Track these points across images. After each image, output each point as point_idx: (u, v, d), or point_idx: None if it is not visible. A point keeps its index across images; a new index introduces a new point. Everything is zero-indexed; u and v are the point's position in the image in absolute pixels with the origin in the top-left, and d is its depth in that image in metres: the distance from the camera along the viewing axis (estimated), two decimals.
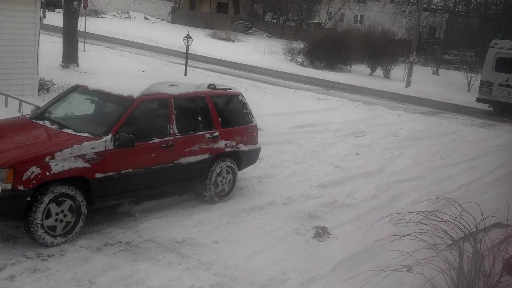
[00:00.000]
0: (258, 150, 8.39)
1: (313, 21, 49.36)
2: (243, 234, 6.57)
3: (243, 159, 7.95)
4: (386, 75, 29.72)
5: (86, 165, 5.87)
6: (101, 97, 6.89)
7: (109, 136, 6.09)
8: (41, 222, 5.56)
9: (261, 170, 9.32)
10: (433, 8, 44.87)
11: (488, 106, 21.66)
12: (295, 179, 9.11)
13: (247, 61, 28.94)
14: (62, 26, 17.03)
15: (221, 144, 7.49)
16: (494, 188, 9.78)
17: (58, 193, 5.66)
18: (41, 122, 6.58)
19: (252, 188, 8.41)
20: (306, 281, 5.53)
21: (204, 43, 33.47)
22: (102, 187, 6.09)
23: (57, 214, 5.70)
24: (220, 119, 7.51)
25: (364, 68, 30.98)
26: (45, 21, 27.26)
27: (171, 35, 33.43)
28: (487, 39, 29.42)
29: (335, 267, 5.92)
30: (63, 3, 19.79)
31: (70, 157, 5.73)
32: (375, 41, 30.77)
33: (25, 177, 5.39)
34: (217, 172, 7.48)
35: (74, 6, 16.58)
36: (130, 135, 6.15)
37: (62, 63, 16.60)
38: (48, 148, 5.75)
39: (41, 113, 6.93)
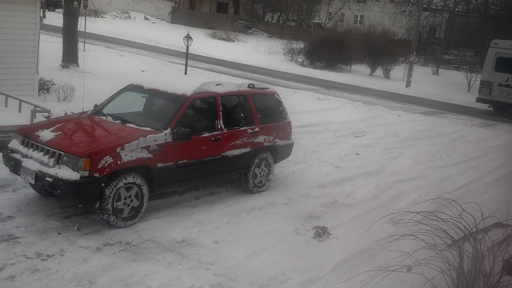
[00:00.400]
0: (292, 145, 9.01)
1: (313, 21, 49.36)
2: (243, 234, 6.58)
3: (279, 153, 8.58)
4: (386, 75, 29.72)
5: (150, 155, 6.50)
6: (156, 95, 7.55)
7: (168, 130, 6.72)
8: (112, 206, 6.20)
9: None
10: (433, 8, 44.87)
11: (488, 106, 21.65)
12: (295, 179, 9.10)
13: (247, 61, 28.94)
14: (62, 26, 17.00)
15: (261, 138, 8.12)
16: (494, 188, 9.78)
17: (126, 180, 6.30)
18: (104, 118, 7.22)
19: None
20: (306, 281, 5.53)
21: (204, 43, 33.46)
22: (162, 176, 6.70)
23: (125, 198, 6.35)
24: (259, 115, 8.14)
25: (364, 68, 30.97)
26: (45, 21, 27.25)
27: (171, 35, 33.43)
28: (487, 39, 29.42)
29: (335, 267, 5.92)
30: (63, 3, 19.79)
31: (137, 148, 6.36)
32: (375, 41, 30.77)
33: (100, 166, 6.02)
34: (257, 165, 8.09)
35: (74, 6, 16.56)
36: (187, 129, 6.81)
37: (62, 63, 16.58)
38: (119, 140, 6.38)
39: (100, 110, 7.55)
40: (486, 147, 13.70)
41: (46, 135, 6.44)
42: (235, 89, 8.00)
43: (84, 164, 5.93)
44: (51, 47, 19.21)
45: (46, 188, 6.20)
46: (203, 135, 7.22)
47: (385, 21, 43.53)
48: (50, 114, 9.90)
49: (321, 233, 6.93)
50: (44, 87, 12.75)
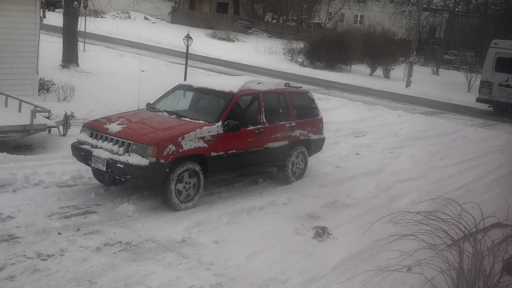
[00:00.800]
0: (324, 139, 9.73)
1: (313, 21, 49.35)
2: (243, 234, 6.57)
3: (312, 146, 9.32)
4: (386, 75, 29.72)
5: (205, 145, 7.25)
6: (205, 92, 8.33)
7: (220, 123, 7.48)
8: (173, 189, 6.92)
9: (261, 171, 9.33)
10: (433, 8, 44.86)
11: (488, 106, 21.65)
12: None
13: (247, 61, 28.94)
14: (62, 26, 17.01)
15: (297, 133, 8.83)
16: (494, 188, 9.78)
17: (186, 167, 7.05)
18: (160, 113, 7.99)
19: (252, 188, 8.41)
20: (306, 281, 5.53)
21: (204, 43, 33.47)
22: (215, 164, 7.44)
23: (185, 183, 7.08)
24: (295, 111, 8.84)
25: (364, 68, 30.98)
26: (45, 21, 27.18)
27: (171, 35, 33.43)
28: (487, 39, 29.41)
29: (335, 267, 5.91)
30: (63, 3, 19.79)
31: (195, 138, 7.13)
32: (375, 41, 30.79)
33: (165, 153, 6.76)
34: (294, 156, 8.82)
35: (74, 6, 16.56)
36: (237, 122, 7.56)
37: (62, 63, 16.58)
38: (179, 131, 7.13)
39: (154, 106, 8.35)
40: (486, 147, 13.70)
41: (114, 127, 7.17)
42: (274, 88, 8.74)
43: (152, 152, 6.65)
44: (51, 47, 19.22)
45: (117, 173, 6.84)
46: (248, 128, 7.95)
47: (385, 21, 43.54)
48: (50, 114, 9.91)
49: (321, 233, 6.93)
50: (44, 87, 12.75)
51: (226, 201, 7.63)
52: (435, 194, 8.17)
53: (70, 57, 16.66)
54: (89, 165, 7.23)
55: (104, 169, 6.90)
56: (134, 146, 6.78)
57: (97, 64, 18.12)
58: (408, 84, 26.05)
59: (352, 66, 30.90)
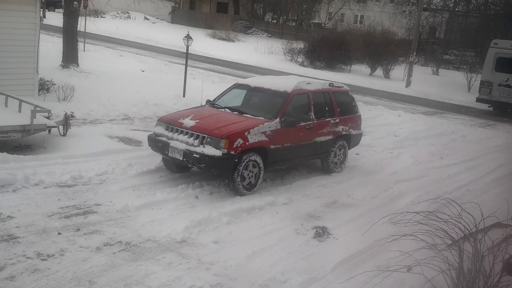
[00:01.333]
0: (361, 134, 10.59)
1: (313, 21, 49.36)
2: (243, 234, 6.57)
3: (352, 141, 10.17)
4: (386, 75, 29.72)
5: (266, 139, 8.10)
6: (262, 91, 9.15)
7: (278, 119, 8.33)
8: (239, 177, 7.80)
9: None
10: (433, 8, 44.85)
11: (488, 106, 21.65)
12: (295, 179, 9.10)
13: (247, 61, 28.94)
14: (62, 26, 17.00)
15: (340, 128, 9.66)
16: (494, 188, 9.78)
17: (250, 158, 7.92)
18: (222, 109, 8.86)
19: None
20: (306, 281, 5.53)
21: (204, 43, 33.46)
22: (274, 155, 8.31)
23: (249, 171, 7.97)
24: (338, 109, 9.66)
25: (364, 68, 30.97)
26: (45, 21, 27.21)
27: (171, 35, 33.42)
28: (487, 39, 29.42)
29: (335, 267, 5.92)
30: (63, 3, 19.78)
31: (258, 132, 8.00)
32: (375, 41, 30.76)
33: (235, 145, 7.66)
34: (336, 150, 9.64)
35: (74, 6, 16.56)
36: (293, 119, 8.44)
37: (62, 63, 16.57)
38: (246, 126, 8.00)
39: (214, 103, 9.28)
40: (486, 147, 13.70)
41: (189, 122, 8.09)
42: (321, 87, 9.56)
43: (224, 144, 7.58)
44: (51, 47, 19.22)
45: (192, 162, 7.76)
46: (300, 124, 8.75)
47: (385, 21, 43.51)
48: (50, 114, 9.91)
49: (321, 233, 6.93)
50: (44, 87, 12.74)
51: (226, 201, 7.62)
52: (435, 194, 8.17)
53: (70, 57, 16.65)
54: (165, 154, 8.14)
55: (180, 158, 7.81)
56: (208, 139, 7.72)
57: (97, 64, 18.11)
58: (408, 84, 26.05)
59: (352, 66, 30.89)
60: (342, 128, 9.72)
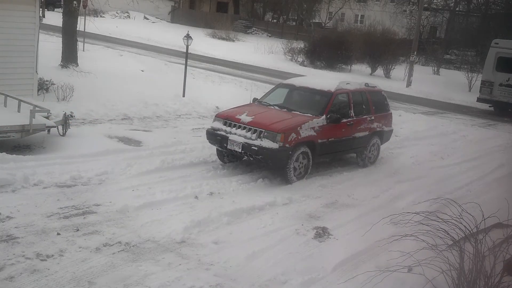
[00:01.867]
0: (392, 131, 11.39)
1: (314, 20, 49.30)
2: (243, 235, 6.56)
3: (384, 137, 10.98)
4: (387, 75, 29.70)
5: (314, 133, 8.93)
6: (307, 91, 9.91)
7: (324, 116, 9.14)
8: (292, 167, 8.64)
9: (261, 170, 9.31)
10: (433, 8, 44.85)
11: (489, 106, 21.63)
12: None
13: (247, 61, 28.92)
14: (61, 25, 16.99)
15: (375, 125, 10.48)
16: (495, 188, 9.76)
17: (301, 150, 8.74)
18: (271, 107, 9.64)
19: (252, 188, 8.40)
20: (307, 281, 5.51)
21: (204, 42, 33.45)
22: (321, 148, 9.15)
23: (299, 163, 8.80)
24: (373, 107, 10.46)
25: (364, 68, 30.96)
26: (45, 21, 27.25)
27: (171, 35, 33.41)
28: (488, 38, 29.36)
29: (336, 268, 5.90)
30: (62, 3, 19.77)
31: (308, 128, 8.84)
32: (376, 41, 30.74)
33: (289, 139, 8.48)
34: (371, 145, 10.41)
35: (74, 5, 16.54)
36: (338, 115, 9.28)
37: (62, 63, 16.55)
38: (297, 122, 8.81)
39: (261, 101, 10.06)
40: (487, 147, 13.69)
41: (246, 118, 8.86)
42: (358, 87, 10.38)
43: (280, 138, 8.39)
44: (51, 46, 19.21)
45: (250, 154, 8.56)
46: (343, 121, 9.51)
47: (385, 21, 43.47)
48: (49, 114, 9.89)
49: (322, 233, 6.91)
50: (43, 87, 12.73)
51: (226, 201, 7.60)
52: (436, 194, 8.12)
53: (69, 57, 16.63)
54: (224, 147, 8.92)
55: (239, 150, 8.63)
56: (265, 133, 8.52)
57: (97, 64, 18.09)
58: (408, 84, 26.02)
59: (353, 65, 30.88)
60: (377, 125, 10.56)
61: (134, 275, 5.30)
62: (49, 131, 9.56)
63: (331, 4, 51.95)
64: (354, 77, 27.17)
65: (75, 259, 5.49)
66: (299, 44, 32.64)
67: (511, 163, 11.90)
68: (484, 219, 4.98)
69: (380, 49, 29.56)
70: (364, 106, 10.27)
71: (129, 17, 48.90)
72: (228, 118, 9.06)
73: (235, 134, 8.76)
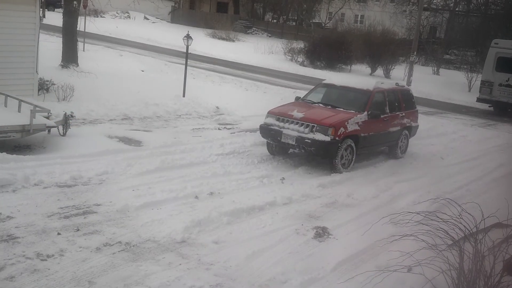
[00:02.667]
0: (418, 126, 12.35)
1: (313, 20, 49.35)
2: (243, 234, 6.56)
3: (412, 131, 11.96)
4: (387, 75, 29.69)
5: (358, 128, 9.87)
6: (347, 89, 10.87)
7: (365, 112, 10.11)
8: (339, 159, 9.59)
9: (261, 170, 9.32)
10: (433, 8, 44.84)
11: (489, 106, 21.63)
12: (295, 179, 9.09)
13: (247, 61, 28.92)
14: (61, 26, 16.99)
15: (405, 121, 11.48)
16: (494, 188, 9.77)
17: (348, 143, 9.69)
18: (316, 104, 10.64)
19: (252, 188, 8.40)
20: (306, 281, 5.52)
21: (204, 43, 33.43)
22: (363, 141, 10.10)
23: (346, 154, 9.75)
24: (404, 104, 11.48)
25: (364, 68, 30.96)
26: (45, 21, 27.26)
27: (171, 35, 33.40)
28: (487, 38, 29.36)
29: (335, 267, 5.91)
30: (62, 3, 19.76)
31: (353, 123, 9.78)
32: (376, 41, 30.74)
33: (338, 133, 9.44)
34: (402, 138, 11.42)
35: (74, 5, 16.55)
36: (378, 111, 10.34)
37: (62, 63, 16.56)
38: (344, 117, 9.77)
39: (304, 99, 11.06)
40: (486, 147, 13.70)
41: (298, 114, 9.76)
42: (391, 86, 11.49)
43: (331, 132, 9.36)
44: (51, 47, 19.21)
45: (304, 146, 9.50)
46: (380, 116, 10.50)
47: (385, 21, 43.47)
48: (49, 114, 9.90)
49: (321, 233, 6.92)
50: (43, 87, 12.73)
51: (226, 201, 7.61)
52: (436, 194, 8.15)
53: (69, 57, 16.64)
54: (277, 141, 9.83)
55: (293, 143, 9.55)
56: (317, 128, 9.45)
57: (97, 64, 18.10)
58: (408, 83, 25.94)
59: (353, 66, 30.88)
60: (406, 121, 11.53)
61: (134, 275, 5.31)
62: (49, 131, 9.57)
63: (331, 4, 51.98)
64: (354, 77, 27.21)
65: (76, 259, 5.50)
66: (299, 44, 32.64)
67: (510, 163, 11.91)
68: (484, 219, 4.99)
69: (380, 49, 29.56)
70: (396, 104, 11.26)
71: (129, 17, 48.93)
72: (281, 115, 9.97)
73: (288, 128, 9.65)
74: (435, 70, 33.93)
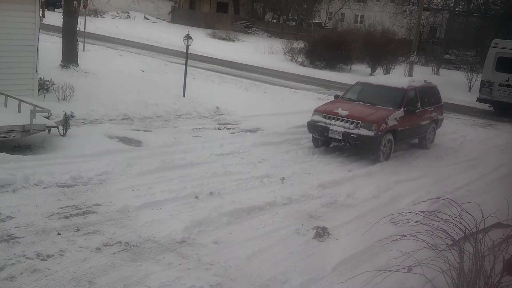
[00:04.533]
0: (443, 119, 13.59)
1: (313, 20, 49.33)
2: (243, 234, 6.56)
3: (438, 124, 13.19)
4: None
5: (396, 123, 11.00)
6: (383, 88, 11.91)
7: (402, 109, 11.21)
8: (381, 150, 10.71)
9: (261, 170, 9.32)
10: (433, 8, 44.79)
11: (489, 106, 21.61)
12: (296, 179, 9.10)
13: (247, 61, 28.91)
14: (61, 26, 16.98)
15: (433, 115, 12.65)
16: (495, 188, 9.77)
17: (388, 137, 10.81)
18: (356, 102, 11.60)
19: (252, 188, 8.40)
20: (307, 281, 5.52)
21: (204, 43, 33.40)
22: (400, 135, 11.26)
23: (387, 147, 10.88)
24: (432, 100, 12.61)
25: (364, 68, 30.94)
26: (45, 21, 27.23)
27: (171, 35, 33.39)
28: (487, 38, 29.35)
29: (336, 268, 5.91)
30: (62, 3, 19.76)
31: (392, 119, 10.87)
32: (376, 41, 30.69)
33: (381, 128, 10.53)
34: (430, 130, 12.63)
35: (74, 5, 16.54)
36: (413, 108, 11.50)
37: (62, 63, 16.55)
38: (385, 114, 10.87)
39: (343, 97, 12.06)
40: (486, 147, 13.69)
41: (342, 112, 10.86)
42: (421, 84, 12.52)
43: (375, 127, 10.44)
44: (51, 47, 19.21)
45: (349, 140, 10.57)
46: (414, 112, 11.60)
47: (385, 21, 43.42)
48: (49, 114, 9.90)
49: (322, 233, 6.92)
50: (43, 87, 12.73)
51: (226, 201, 7.60)
52: (436, 194, 8.16)
53: (69, 57, 16.63)
54: (324, 136, 10.94)
55: (340, 138, 10.65)
56: (362, 124, 10.52)
57: (97, 64, 18.10)
58: None
59: (353, 65, 30.86)
60: (434, 115, 12.67)
61: (134, 275, 5.31)
62: (49, 131, 9.57)
63: (331, 4, 51.96)
64: (354, 77, 27.11)
65: (76, 259, 5.50)
66: (299, 44, 32.60)
67: (511, 163, 11.90)
68: (484, 219, 4.99)
69: (380, 49, 29.52)
70: (426, 99, 12.28)
71: (129, 17, 48.90)
72: (327, 112, 11.06)
73: (335, 125, 10.72)
74: (435, 70, 33.89)
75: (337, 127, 10.67)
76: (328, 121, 10.88)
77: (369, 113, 10.81)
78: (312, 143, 11.53)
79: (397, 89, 11.66)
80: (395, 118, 10.94)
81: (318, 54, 30.04)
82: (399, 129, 11.10)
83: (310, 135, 12.71)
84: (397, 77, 13.87)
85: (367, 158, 11.10)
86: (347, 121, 10.65)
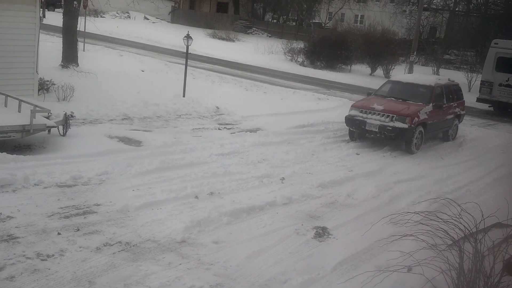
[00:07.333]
0: (465, 114, 14.74)
1: (313, 21, 49.29)
2: (243, 234, 6.57)
3: (460, 119, 14.34)
4: (387, 75, 29.64)
5: (426, 117, 12.10)
6: (413, 85, 13.11)
7: (431, 104, 12.34)
8: (413, 142, 11.76)
9: (261, 170, 9.32)
10: (433, 8, 44.82)
11: (489, 106, 21.62)
12: (296, 179, 9.10)
13: (247, 61, 28.90)
14: (62, 26, 16.99)
15: (456, 110, 13.82)
16: (494, 188, 9.77)
17: (419, 129, 11.88)
18: (388, 98, 12.72)
19: (252, 188, 8.41)
20: (306, 281, 5.52)
21: (204, 43, 33.40)
22: (429, 128, 12.34)
23: (418, 139, 11.92)
24: (455, 96, 13.80)
25: (364, 68, 30.95)
26: (45, 21, 27.20)
27: (171, 35, 33.39)
28: (487, 39, 29.34)
29: (336, 267, 5.91)
30: (63, 3, 19.76)
31: (423, 112, 11.96)
32: (376, 41, 30.70)
33: (413, 121, 11.58)
34: (453, 125, 13.82)
35: (74, 6, 16.54)
36: (440, 103, 12.69)
37: (62, 63, 16.56)
38: (417, 109, 11.95)
39: (376, 94, 13.31)
40: (486, 147, 13.69)
41: (378, 107, 11.94)
42: (446, 82, 13.79)
43: (408, 120, 11.50)
44: (51, 47, 19.21)
45: (385, 132, 11.67)
46: (441, 107, 12.78)
47: (385, 21, 43.42)
48: (49, 114, 9.90)
49: (321, 233, 6.92)
50: (43, 87, 12.73)
51: (226, 201, 7.60)
52: (436, 194, 8.17)
53: (69, 57, 16.64)
54: (361, 129, 12.02)
55: (376, 130, 11.74)
56: (396, 117, 11.59)
57: (97, 64, 18.09)
58: None
59: (352, 66, 30.86)
60: (457, 110, 13.80)
61: (134, 274, 5.31)
62: (49, 131, 9.58)
63: (331, 4, 51.94)
64: (354, 77, 27.26)
65: (76, 259, 5.50)
66: (299, 44, 32.61)
67: (510, 163, 11.91)
68: (484, 219, 4.99)
69: (380, 49, 29.52)
70: (450, 96, 13.40)
71: (129, 17, 48.88)
72: (364, 107, 12.16)
73: (371, 119, 11.78)
74: (435, 70, 33.86)
75: (374, 121, 11.73)
76: (365, 115, 11.92)
77: (403, 108, 11.88)
78: (348, 137, 12.59)
79: (425, 86, 12.84)
80: (425, 112, 11.99)
81: (318, 54, 30.04)
82: (429, 122, 12.17)
83: (309, 135, 12.78)
84: (424, 75, 15.26)
85: (367, 158, 11.10)
86: (383, 115, 11.70)
